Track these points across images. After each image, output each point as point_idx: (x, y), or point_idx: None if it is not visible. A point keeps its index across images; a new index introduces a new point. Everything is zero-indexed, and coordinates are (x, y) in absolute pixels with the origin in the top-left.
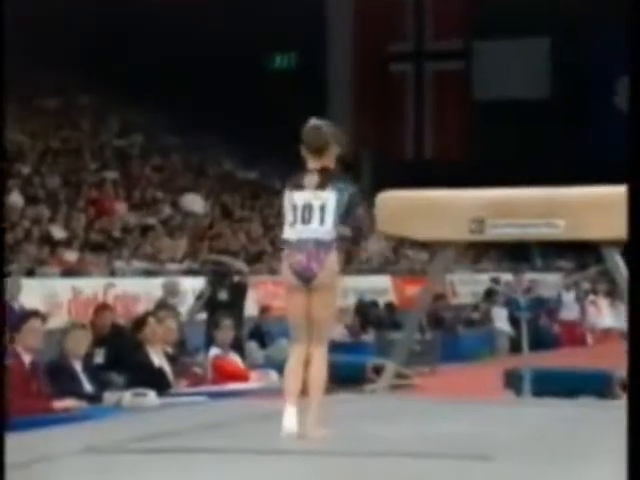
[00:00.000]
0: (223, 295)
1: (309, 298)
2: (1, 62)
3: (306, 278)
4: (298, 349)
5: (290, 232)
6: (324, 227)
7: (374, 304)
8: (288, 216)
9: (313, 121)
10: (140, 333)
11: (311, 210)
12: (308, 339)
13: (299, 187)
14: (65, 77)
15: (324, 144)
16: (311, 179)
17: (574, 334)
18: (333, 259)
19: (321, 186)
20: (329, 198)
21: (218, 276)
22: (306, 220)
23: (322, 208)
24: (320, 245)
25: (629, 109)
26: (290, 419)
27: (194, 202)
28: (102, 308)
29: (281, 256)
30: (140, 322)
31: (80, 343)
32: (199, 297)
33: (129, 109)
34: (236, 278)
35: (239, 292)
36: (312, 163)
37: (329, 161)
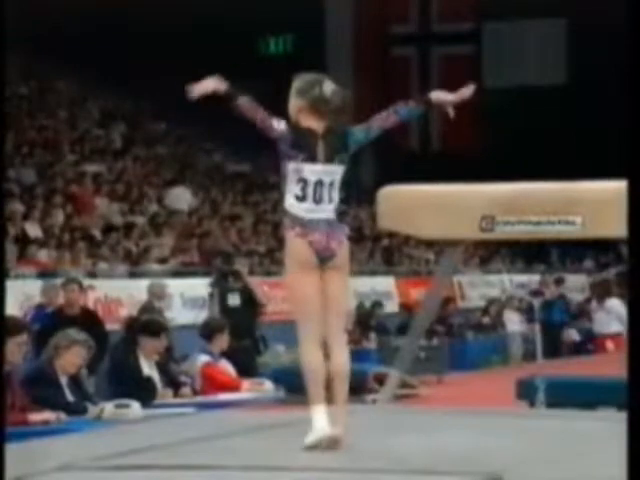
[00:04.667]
0: (235, 299)
1: (324, 282)
2: (2, 63)
3: (325, 257)
4: (317, 344)
5: (299, 209)
6: (332, 205)
7: (378, 304)
8: (294, 189)
9: (330, 84)
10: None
11: (322, 187)
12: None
13: (311, 159)
14: (36, 60)
15: (343, 108)
16: (320, 148)
17: (592, 340)
18: (347, 238)
19: (330, 159)
20: (338, 173)
21: (225, 277)
22: (317, 199)
23: (331, 184)
24: (332, 224)
25: (628, 108)
26: (323, 421)
27: (181, 197)
28: (69, 282)
29: (285, 232)
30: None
31: (76, 361)
32: (210, 298)
33: (110, 95)
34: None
35: (252, 297)
36: (314, 123)
37: (332, 121)
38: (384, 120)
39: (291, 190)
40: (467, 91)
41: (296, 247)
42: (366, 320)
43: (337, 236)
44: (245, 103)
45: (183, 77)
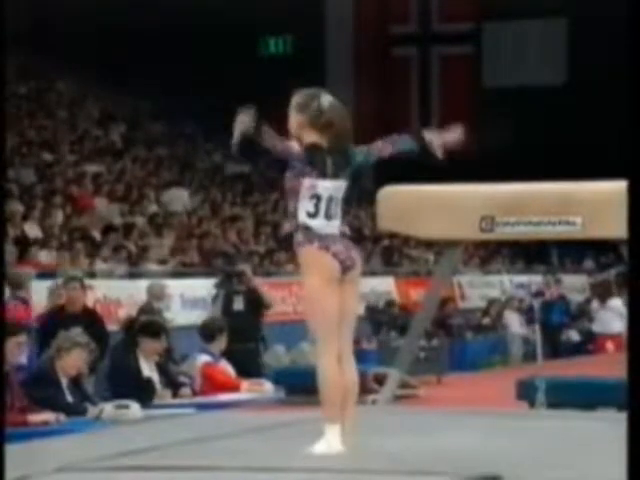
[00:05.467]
0: (240, 302)
1: (340, 294)
2: (2, 63)
3: (347, 267)
4: (334, 354)
5: (311, 223)
6: (338, 221)
7: (391, 303)
8: (307, 205)
9: (328, 97)
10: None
11: (331, 203)
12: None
13: (323, 175)
14: (36, 60)
15: (342, 122)
16: (329, 164)
17: (592, 341)
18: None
19: (337, 175)
20: (342, 189)
21: (229, 280)
22: (328, 215)
23: (337, 201)
24: (344, 237)
25: (629, 108)
26: (337, 439)
27: (177, 198)
28: (71, 280)
29: (301, 248)
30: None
31: (76, 364)
32: (214, 299)
33: (110, 95)
34: (250, 284)
35: (256, 300)
36: (317, 139)
37: (333, 137)
38: (380, 150)
39: (303, 206)
40: (459, 136)
41: (320, 260)
42: (386, 318)
43: (353, 247)
44: (268, 138)
45: (183, 77)
